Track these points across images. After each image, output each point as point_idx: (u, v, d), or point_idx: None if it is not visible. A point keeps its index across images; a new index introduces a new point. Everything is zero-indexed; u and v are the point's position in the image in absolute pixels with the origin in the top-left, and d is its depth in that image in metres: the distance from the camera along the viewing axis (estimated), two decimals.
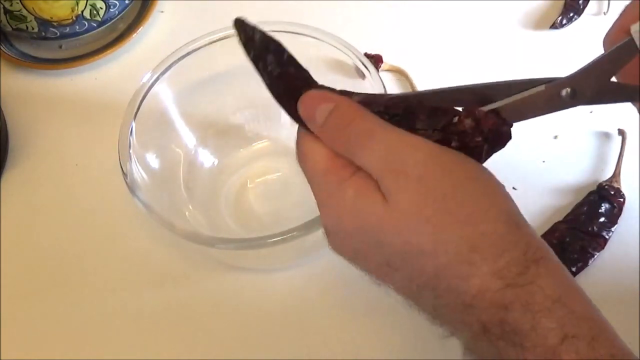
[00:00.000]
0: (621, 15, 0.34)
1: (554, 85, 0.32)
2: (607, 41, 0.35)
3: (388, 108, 0.33)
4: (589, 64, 0.31)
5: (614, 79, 0.33)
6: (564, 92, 0.32)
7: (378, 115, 0.33)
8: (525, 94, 0.32)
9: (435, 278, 0.31)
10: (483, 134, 0.32)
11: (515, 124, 0.33)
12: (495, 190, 0.32)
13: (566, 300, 0.29)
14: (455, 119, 0.33)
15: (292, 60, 0.34)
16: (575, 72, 0.31)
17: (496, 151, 0.33)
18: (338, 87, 0.34)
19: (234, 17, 0.33)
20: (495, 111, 0.32)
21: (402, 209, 0.30)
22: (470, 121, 0.32)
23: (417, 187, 0.30)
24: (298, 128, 0.34)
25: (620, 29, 0.34)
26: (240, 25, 0.33)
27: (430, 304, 0.32)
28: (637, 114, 0.36)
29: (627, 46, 0.31)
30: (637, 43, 0.30)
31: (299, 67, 0.34)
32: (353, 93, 0.34)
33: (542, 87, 0.32)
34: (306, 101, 0.33)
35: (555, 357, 0.28)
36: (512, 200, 0.32)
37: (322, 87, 0.34)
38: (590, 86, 0.31)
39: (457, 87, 0.34)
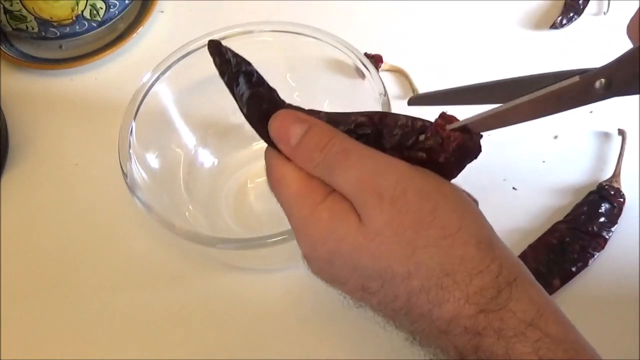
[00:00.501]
0: None
1: (588, 76, 0.30)
2: (633, 29, 0.34)
3: (357, 127, 0.33)
4: (624, 54, 0.30)
5: None
6: (597, 84, 0.30)
7: (347, 134, 0.33)
8: (559, 85, 0.31)
9: (408, 303, 0.31)
10: (448, 153, 0.32)
11: (515, 125, 0.33)
12: (466, 211, 0.31)
13: (540, 323, 0.29)
14: (422, 137, 0.32)
15: (261, 81, 0.34)
16: (610, 63, 0.30)
17: (467, 164, 0.33)
18: (338, 87, 0.34)
19: (209, 40, 0.33)
20: (463, 127, 0.32)
21: (376, 231, 0.30)
22: (436, 140, 0.32)
23: (389, 209, 0.30)
24: (266, 151, 0.34)
25: None
26: (216, 48, 0.33)
27: (407, 329, 0.32)
28: (638, 113, 0.36)
29: None
30: None
31: (269, 87, 0.34)
32: (320, 112, 0.34)
33: (576, 78, 0.31)
34: (277, 121, 0.33)
35: None
36: (485, 220, 0.32)
37: (291, 107, 0.34)
38: (625, 76, 0.30)
39: (485, 83, 0.33)
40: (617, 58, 0.30)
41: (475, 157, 0.33)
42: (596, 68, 0.31)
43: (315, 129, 0.32)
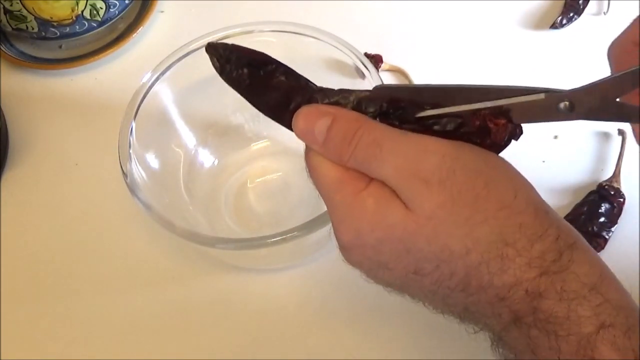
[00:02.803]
0: (631, 25, 0.34)
1: (554, 96, 0.31)
2: (614, 51, 0.34)
3: (391, 103, 0.32)
4: (594, 82, 0.30)
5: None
6: (562, 105, 0.30)
7: (381, 110, 0.32)
8: (524, 98, 0.31)
9: (466, 278, 0.30)
10: (496, 141, 0.32)
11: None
12: (517, 179, 0.31)
13: (601, 288, 0.29)
14: (461, 120, 0.31)
15: (279, 69, 0.33)
16: (579, 88, 0.30)
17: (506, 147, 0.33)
18: (338, 87, 0.34)
19: (207, 43, 0.33)
20: (507, 115, 0.31)
21: (427, 216, 0.29)
22: (484, 127, 0.31)
23: (440, 191, 0.29)
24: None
25: (630, 40, 0.33)
26: (214, 49, 0.33)
27: (460, 304, 0.32)
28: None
29: (636, 73, 0.29)
30: None
31: (293, 75, 0.33)
32: (352, 92, 0.33)
33: (541, 95, 0.31)
34: (301, 120, 0.32)
35: (590, 346, 0.28)
36: (534, 188, 0.32)
37: (321, 90, 0.33)
38: (590, 104, 0.30)
39: (453, 85, 0.32)
40: (585, 85, 0.30)
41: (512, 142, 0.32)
42: (564, 90, 0.31)
43: (339, 121, 0.31)
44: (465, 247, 0.29)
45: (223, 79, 0.33)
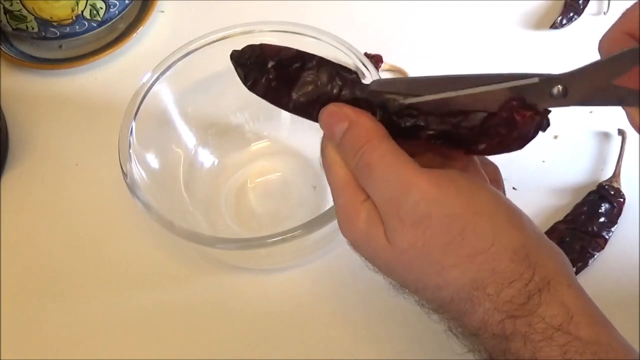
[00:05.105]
0: (621, 17, 0.34)
1: (548, 79, 0.31)
2: (605, 43, 0.35)
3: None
4: (589, 64, 0.31)
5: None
6: (555, 90, 0.31)
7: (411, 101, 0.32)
8: (517, 83, 0.31)
9: (441, 308, 0.32)
10: (521, 132, 0.32)
11: None
12: (501, 223, 0.31)
13: (569, 327, 0.29)
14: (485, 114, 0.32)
15: (310, 62, 0.33)
16: (573, 70, 0.31)
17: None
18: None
19: (230, 53, 0.33)
20: (534, 107, 0.31)
21: (401, 251, 0.31)
22: (509, 121, 0.31)
23: (412, 232, 0.30)
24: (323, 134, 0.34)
25: (620, 31, 0.34)
26: (237, 59, 0.33)
27: (445, 323, 0.33)
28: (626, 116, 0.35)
29: (631, 53, 0.29)
30: None
31: (324, 66, 0.33)
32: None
33: (535, 79, 0.31)
34: (325, 119, 0.33)
35: None
36: (524, 223, 0.32)
37: (353, 81, 0.33)
38: (584, 87, 0.30)
39: (449, 76, 0.33)
40: (578, 68, 0.30)
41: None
42: (556, 74, 0.31)
43: (352, 130, 0.32)
44: (437, 284, 0.31)
45: (247, 87, 0.34)
